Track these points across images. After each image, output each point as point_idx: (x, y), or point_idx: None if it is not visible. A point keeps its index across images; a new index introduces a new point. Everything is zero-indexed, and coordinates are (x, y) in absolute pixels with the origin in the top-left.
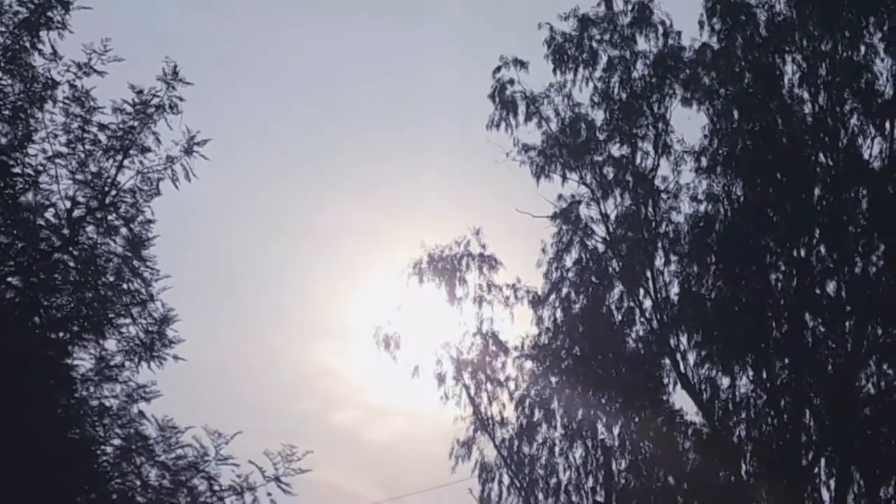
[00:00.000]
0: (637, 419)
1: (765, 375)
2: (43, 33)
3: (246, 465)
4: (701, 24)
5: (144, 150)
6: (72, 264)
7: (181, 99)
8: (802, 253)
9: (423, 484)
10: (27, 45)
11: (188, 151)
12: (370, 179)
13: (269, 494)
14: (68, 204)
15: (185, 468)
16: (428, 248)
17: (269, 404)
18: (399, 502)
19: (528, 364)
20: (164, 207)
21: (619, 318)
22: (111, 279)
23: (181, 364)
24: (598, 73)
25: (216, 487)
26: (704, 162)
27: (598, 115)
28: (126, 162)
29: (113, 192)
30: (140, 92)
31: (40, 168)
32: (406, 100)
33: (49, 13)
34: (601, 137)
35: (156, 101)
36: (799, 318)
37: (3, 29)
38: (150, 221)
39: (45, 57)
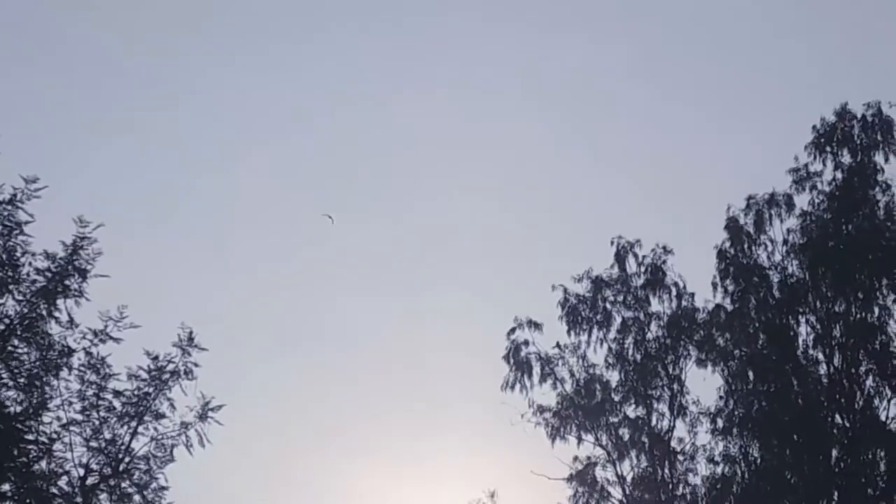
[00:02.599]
0: None
1: None
2: (60, 301)
3: None
4: (714, 285)
5: (159, 416)
6: None
7: (196, 365)
8: None
9: None
10: (44, 313)
11: (203, 417)
12: (388, 442)
13: None
14: (82, 471)
15: None
16: None
17: None
18: None
19: None
20: (177, 471)
21: None
22: None
23: None
24: (612, 335)
25: None
26: (720, 423)
27: (613, 376)
28: (140, 428)
29: (127, 459)
30: (155, 358)
31: (54, 436)
32: (421, 362)
33: (66, 281)
34: (616, 398)
35: (171, 367)
36: None
37: (20, 297)
38: (163, 488)
39: (61, 325)
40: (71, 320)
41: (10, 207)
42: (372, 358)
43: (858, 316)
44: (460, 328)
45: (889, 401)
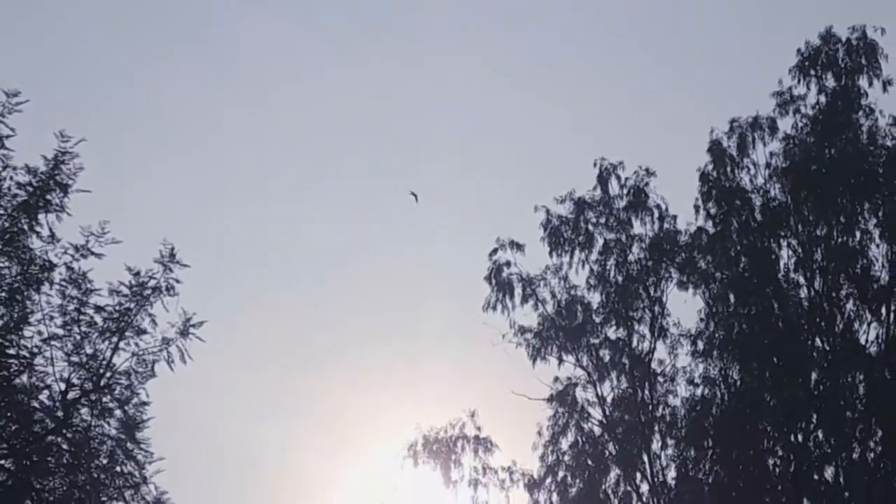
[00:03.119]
0: None
1: None
2: (41, 216)
3: None
4: (696, 208)
5: (140, 332)
6: (65, 447)
7: (178, 281)
8: (800, 438)
9: None
10: (25, 227)
11: (184, 333)
12: (366, 360)
13: None
14: (63, 386)
15: None
16: (423, 430)
17: None
18: None
19: None
20: (159, 388)
21: (616, 502)
22: (104, 462)
23: None
24: (594, 256)
25: None
26: (701, 346)
27: (595, 298)
28: (122, 344)
29: (108, 374)
30: (137, 274)
31: (36, 350)
32: (403, 281)
33: (48, 196)
34: (597, 320)
35: (152, 283)
36: None
37: (1, 212)
38: (144, 403)
39: (42, 239)
40: (52, 235)
41: None
42: (353, 277)
43: (840, 240)
44: (442, 248)
45: (869, 324)
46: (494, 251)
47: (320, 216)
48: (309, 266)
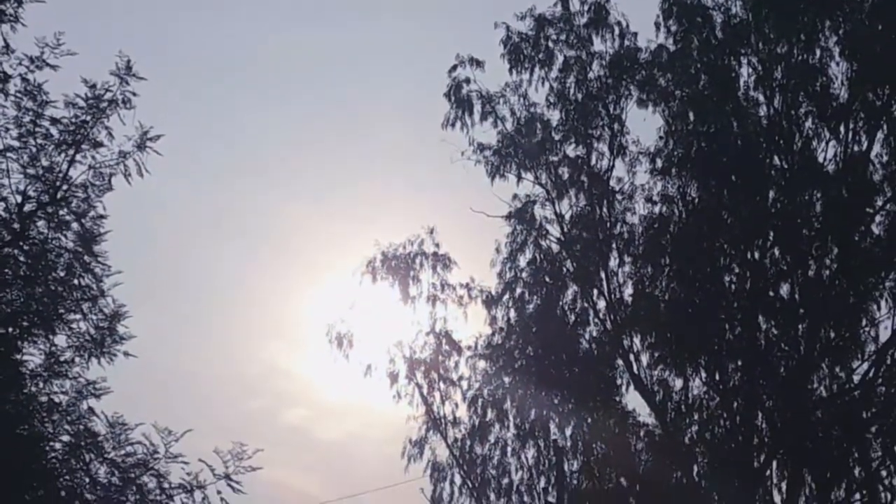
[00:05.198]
0: (590, 420)
1: (718, 377)
2: None
3: (196, 463)
4: (657, 25)
5: (97, 144)
6: (22, 259)
7: (134, 94)
8: (756, 255)
9: (375, 483)
10: None
11: (141, 147)
12: (326, 179)
13: (219, 492)
14: (19, 198)
15: (135, 466)
16: (382, 247)
17: (221, 402)
18: (350, 501)
19: (482, 364)
20: (117, 203)
21: (573, 318)
22: (62, 274)
23: (132, 361)
24: (554, 74)
25: (165, 485)
26: (659, 163)
27: (554, 116)
28: (78, 157)
29: (65, 187)
30: (93, 86)
31: None
32: (362, 100)
33: (2, 6)
34: (557, 138)
35: (109, 95)
36: (752, 321)
37: None
38: (101, 217)
39: None
40: (7, 45)
41: None
42: (313, 92)
43: (800, 58)
44: (402, 65)
45: (827, 143)
46: (454, 68)
47: (279, 35)
48: (268, 86)
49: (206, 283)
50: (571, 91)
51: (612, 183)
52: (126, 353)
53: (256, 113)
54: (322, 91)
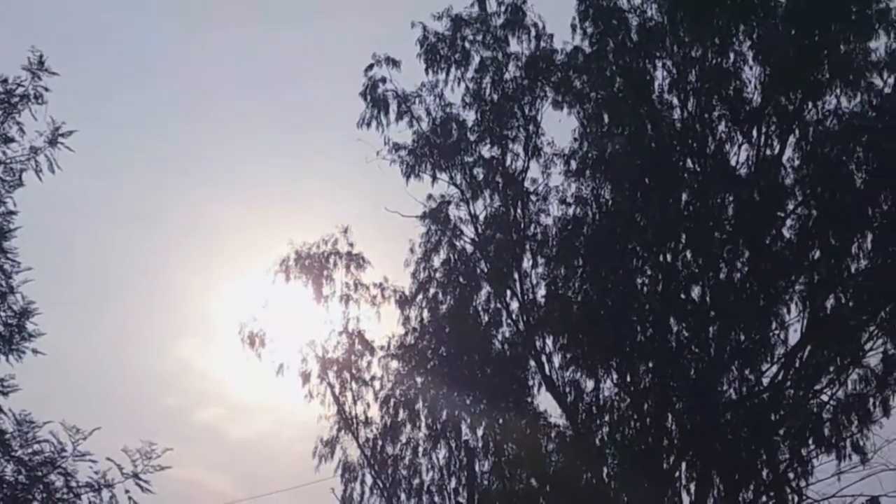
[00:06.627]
0: (501, 420)
1: (629, 379)
2: None
3: (104, 461)
4: (573, 27)
5: (7, 140)
6: None
7: (47, 89)
8: (669, 258)
9: (286, 483)
10: None
11: (52, 142)
12: (241, 177)
13: (127, 492)
14: None
15: (42, 464)
16: (296, 246)
17: (130, 400)
18: (261, 501)
19: (394, 364)
20: (28, 199)
21: (486, 319)
22: None
23: (40, 358)
24: (470, 74)
25: (73, 484)
26: (574, 165)
27: (470, 116)
28: None
29: None
30: (4, 81)
31: None
32: (279, 98)
33: None
34: (472, 138)
35: (20, 90)
36: (663, 323)
37: None
38: (11, 213)
39: None
40: None
41: None
42: (231, 91)
43: (714, 61)
44: (319, 63)
45: (740, 146)
46: (370, 67)
47: (198, 36)
48: (186, 84)
49: (121, 280)
50: (487, 92)
51: (527, 184)
52: (35, 351)
53: (176, 111)
54: (240, 90)
